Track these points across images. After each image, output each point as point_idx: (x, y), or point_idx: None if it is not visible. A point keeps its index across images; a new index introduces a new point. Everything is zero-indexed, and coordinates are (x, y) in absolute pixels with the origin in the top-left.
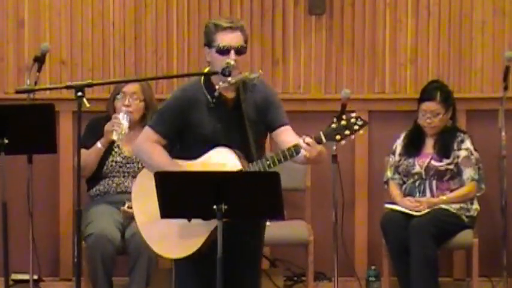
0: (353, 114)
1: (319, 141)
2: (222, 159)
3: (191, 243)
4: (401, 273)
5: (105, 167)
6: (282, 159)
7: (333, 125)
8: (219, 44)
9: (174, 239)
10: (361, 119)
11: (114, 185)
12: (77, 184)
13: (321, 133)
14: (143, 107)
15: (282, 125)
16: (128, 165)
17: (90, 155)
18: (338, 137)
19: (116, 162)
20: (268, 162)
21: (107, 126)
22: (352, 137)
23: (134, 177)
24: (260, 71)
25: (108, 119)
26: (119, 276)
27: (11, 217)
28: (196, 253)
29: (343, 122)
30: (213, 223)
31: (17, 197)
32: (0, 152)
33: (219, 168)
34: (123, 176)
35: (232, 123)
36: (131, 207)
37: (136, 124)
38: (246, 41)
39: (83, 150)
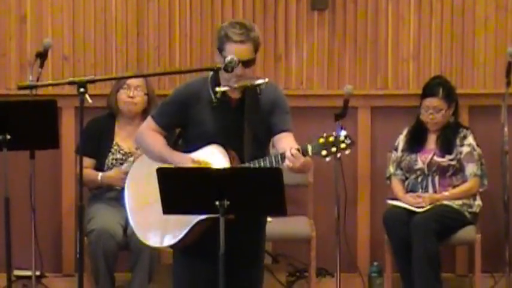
0: (342, 133)
1: (304, 153)
2: (211, 158)
3: (171, 235)
4: (403, 269)
5: (105, 166)
6: (268, 165)
7: (321, 140)
8: (227, 56)
9: (156, 228)
10: (350, 138)
11: None
12: (80, 180)
13: (308, 146)
14: (146, 100)
15: (283, 131)
16: (129, 158)
17: (90, 177)
18: (324, 152)
19: (116, 159)
20: (256, 166)
21: (117, 182)
22: (338, 155)
23: None
24: (266, 78)
25: (106, 118)
26: (122, 271)
27: (13, 213)
28: (177, 245)
29: (331, 139)
30: (195, 218)
31: (19, 193)
32: (2, 148)
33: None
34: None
35: (233, 123)
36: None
37: (137, 118)
38: (256, 49)
39: (85, 171)
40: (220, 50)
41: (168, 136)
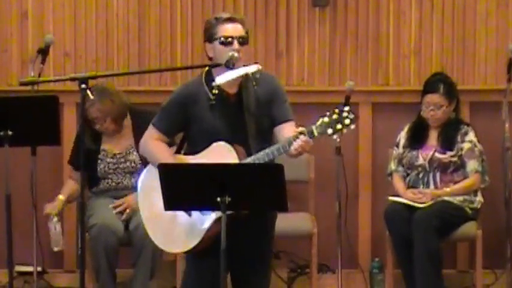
0: (345, 108)
1: (310, 136)
2: (219, 155)
3: (190, 238)
4: (404, 265)
5: (98, 173)
6: (276, 153)
7: (325, 119)
8: (222, 35)
9: (175, 234)
10: (353, 113)
11: (114, 183)
12: (81, 177)
13: (313, 127)
14: (112, 121)
15: (286, 121)
16: (121, 165)
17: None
18: (330, 130)
19: (107, 163)
20: (263, 157)
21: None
22: (344, 131)
23: (130, 173)
24: (259, 66)
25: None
26: (124, 268)
27: (14, 209)
28: (197, 248)
29: (334, 116)
30: (213, 218)
31: (20, 189)
32: (4, 144)
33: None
34: (121, 174)
35: (234, 118)
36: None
37: (117, 131)
38: (247, 33)
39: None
40: (212, 37)
41: (170, 142)
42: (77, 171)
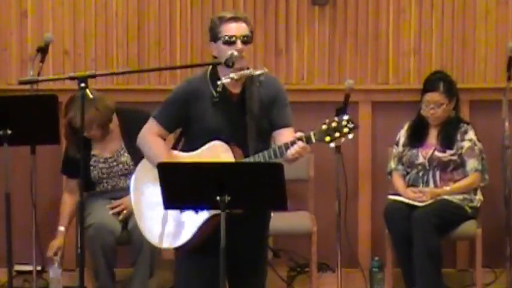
0: (345, 117)
1: (308, 141)
2: (215, 154)
3: (181, 235)
4: (404, 264)
5: (93, 178)
6: (273, 156)
7: (324, 126)
8: (225, 35)
9: (165, 229)
10: (352, 122)
11: (110, 186)
12: (82, 176)
13: (311, 133)
14: (98, 127)
15: (284, 127)
16: (114, 168)
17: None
18: (328, 138)
19: (100, 169)
20: (259, 159)
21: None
22: (342, 139)
23: (125, 175)
24: (265, 68)
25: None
26: (123, 267)
27: (14, 208)
28: (187, 246)
29: (333, 124)
30: (204, 215)
31: (20, 188)
32: (3, 143)
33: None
34: (115, 177)
35: (236, 118)
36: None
37: (105, 136)
38: (251, 32)
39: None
40: (216, 36)
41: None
42: (72, 179)
